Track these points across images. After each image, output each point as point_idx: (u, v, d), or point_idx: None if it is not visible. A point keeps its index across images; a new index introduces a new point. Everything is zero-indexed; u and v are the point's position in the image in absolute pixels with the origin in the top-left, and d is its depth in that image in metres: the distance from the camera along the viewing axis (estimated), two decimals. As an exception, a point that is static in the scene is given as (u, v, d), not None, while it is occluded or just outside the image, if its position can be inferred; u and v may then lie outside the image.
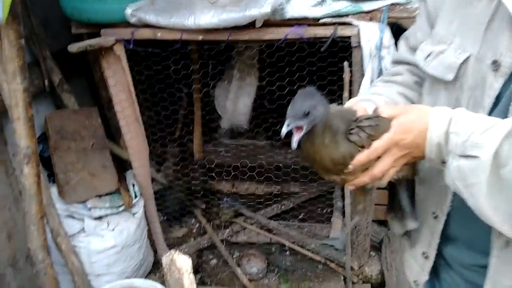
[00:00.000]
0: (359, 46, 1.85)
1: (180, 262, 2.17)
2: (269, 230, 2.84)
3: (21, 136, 1.59)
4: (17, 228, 2.03)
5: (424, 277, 1.04)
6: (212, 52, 2.50)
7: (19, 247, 2.04)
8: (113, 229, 2.08)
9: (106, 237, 2.04)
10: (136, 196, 2.22)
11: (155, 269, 2.54)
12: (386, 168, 0.79)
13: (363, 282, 2.51)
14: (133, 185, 2.23)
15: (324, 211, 3.06)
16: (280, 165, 3.40)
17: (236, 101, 2.68)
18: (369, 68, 1.86)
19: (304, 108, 0.77)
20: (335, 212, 2.81)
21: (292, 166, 3.10)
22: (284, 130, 0.79)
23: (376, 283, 2.53)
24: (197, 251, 2.74)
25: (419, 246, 1.03)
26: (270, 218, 2.95)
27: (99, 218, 2.11)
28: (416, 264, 1.06)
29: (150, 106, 2.82)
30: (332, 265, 2.53)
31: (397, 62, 1.13)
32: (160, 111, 2.76)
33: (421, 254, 1.02)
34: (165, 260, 2.18)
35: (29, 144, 1.61)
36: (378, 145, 0.77)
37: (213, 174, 3.10)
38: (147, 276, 2.47)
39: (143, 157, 2.21)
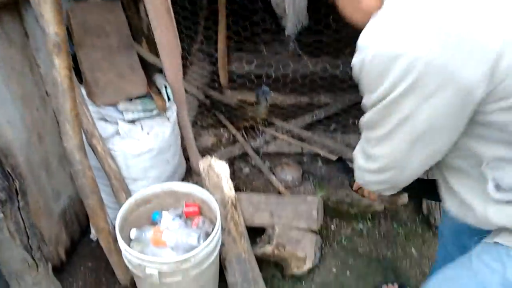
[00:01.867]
0: None
1: (218, 167, 2.08)
2: (301, 140, 2.73)
3: (49, 22, 1.39)
4: (46, 130, 1.91)
5: None
6: None
7: (50, 149, 1.95)
8: (148, 133, 1.96)
9: (142, 141, 1.93)
10: (169, 99, 2.06)
11: (187, 176, 2.49)
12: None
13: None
14: (165, 87, 2.06)
15: (357, 122, 2.92)
16: (308, 74, 3.21)
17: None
18: None
19: None
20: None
21: (320, 75, 2.91)
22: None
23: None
24: (228, 159, 2.66)
25: None
26: (302, 128, 2.84)
27: (133, 121, 1.98)
28: None
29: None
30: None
31: None
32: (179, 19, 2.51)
33: None
34: (202, 165, 2.09)
35: (58, 31, 1.41)
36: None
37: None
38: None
39: (175, 55, 2.01)
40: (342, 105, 3.05)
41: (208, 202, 1.81)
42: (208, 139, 2.82)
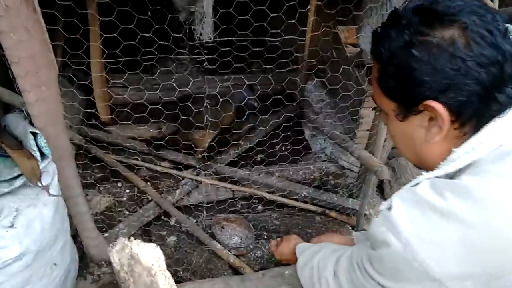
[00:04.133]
0: None
1: (146, 256, 1.28)
2: (229, 181, 2.06)
3: None
4: None
5: None
6: None
7: None
8: (12, 225, 1.05)
9: (3, 242, 1.01)
10: (43, 155, 1.18)
11: (83, 271, 1.57)
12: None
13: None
14: (33, 135, 1.17)
15: (284, 148, 2.39)
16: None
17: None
18: None
19: None
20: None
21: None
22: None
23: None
24: (142, 229, 1.82)
25: None
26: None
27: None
28: None
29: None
30: (333, 214, 1.92)
31: None
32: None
33: None
34: (116, 257, 1.27)
35: None
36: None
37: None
38: (76, 285, 1.49)
39: (52, 81, 1.15)
40: (267, 129, 2.48)
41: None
42: (100, 200, 1.92)
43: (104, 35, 1.76)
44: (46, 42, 1.07)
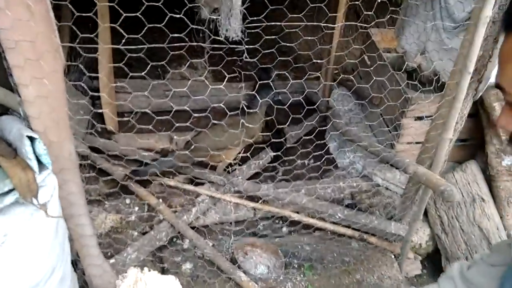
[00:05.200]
0: None
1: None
2: (251, 199, 1.82)
3: None
4: None
5: None
6: None
7: None
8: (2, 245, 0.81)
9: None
10: (42, 165, 0.95)
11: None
12: None
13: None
14: (31, 140, 0.94)
15: (307, 163, 2.15)
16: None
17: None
18: None
19: None
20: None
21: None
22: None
23: (424, 254, 1.80)
24: (153, 254, 1.57)
25: None
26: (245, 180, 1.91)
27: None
28: None
29: None
30: (373, 239, 1.68)
31: None
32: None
33: None
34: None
35: None
36: None
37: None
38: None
39: (54, 73, 0.92)
40: (293, 138, 2.24)
41: None
42: (106, 219, 1.68)
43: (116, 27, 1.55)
44: (51, 22, 0.85)
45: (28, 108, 0.95)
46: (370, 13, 1.68)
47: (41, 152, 0.95)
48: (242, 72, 2.14)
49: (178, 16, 1.12)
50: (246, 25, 1.56)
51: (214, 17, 1.61)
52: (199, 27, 1.45)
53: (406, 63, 1.75)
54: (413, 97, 1.65)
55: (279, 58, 1.64)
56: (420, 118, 1.73)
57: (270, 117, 1.94)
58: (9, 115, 1.13)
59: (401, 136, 1.77)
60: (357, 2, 1.69)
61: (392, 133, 1.89)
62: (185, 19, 1.16)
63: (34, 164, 0.94)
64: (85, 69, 1.41)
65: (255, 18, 1.50)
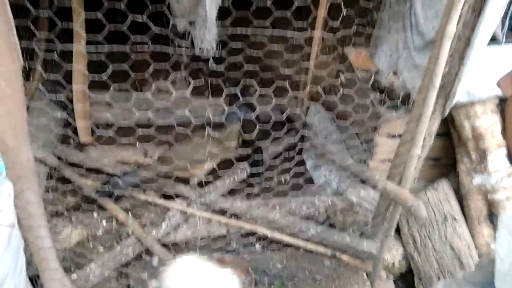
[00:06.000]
0: None
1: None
2: (223, 215, 1.78)
3: None
4: None
5: None
6: None
7: None
8: None
9: None
10: (-4, 173, 0.91)
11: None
12: None
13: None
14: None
15: (284, 180, 2.15)
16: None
17: None
18: None
19: None
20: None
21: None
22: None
23: (398, 273, 1.78)
24: (117, 271, 1.51)
25: None
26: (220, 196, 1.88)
27: None
28: None
29: None
30: (345, 257, 1.66)
31: None
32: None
33: None
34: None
35: None
36: None
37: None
38: None
39: (14, 75, 0.90)
40: (269, 156, 2.23)
41: None
42: (71, 233, 1.61)
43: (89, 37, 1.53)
44: (9, 20, 0.83)
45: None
46: (346, 33, 1.72)
47: (-4, 159, 0.91)
48: (223, 87, 2.14)
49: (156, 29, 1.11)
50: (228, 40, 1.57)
51: (189, 30, 1.61)
52: (173, 38, 1.45)
53: (379, 81, 1.78)
54: (385, 116, 1.67)
55: (259, 76, 1.66)
56: (393, 136, 1.74)
57: (248, 133, 1.93)
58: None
59: (375, 154, 1.78)
60: (335, 23, 1.73)
61: (366, 151, 1.89)
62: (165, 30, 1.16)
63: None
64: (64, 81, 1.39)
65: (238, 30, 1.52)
